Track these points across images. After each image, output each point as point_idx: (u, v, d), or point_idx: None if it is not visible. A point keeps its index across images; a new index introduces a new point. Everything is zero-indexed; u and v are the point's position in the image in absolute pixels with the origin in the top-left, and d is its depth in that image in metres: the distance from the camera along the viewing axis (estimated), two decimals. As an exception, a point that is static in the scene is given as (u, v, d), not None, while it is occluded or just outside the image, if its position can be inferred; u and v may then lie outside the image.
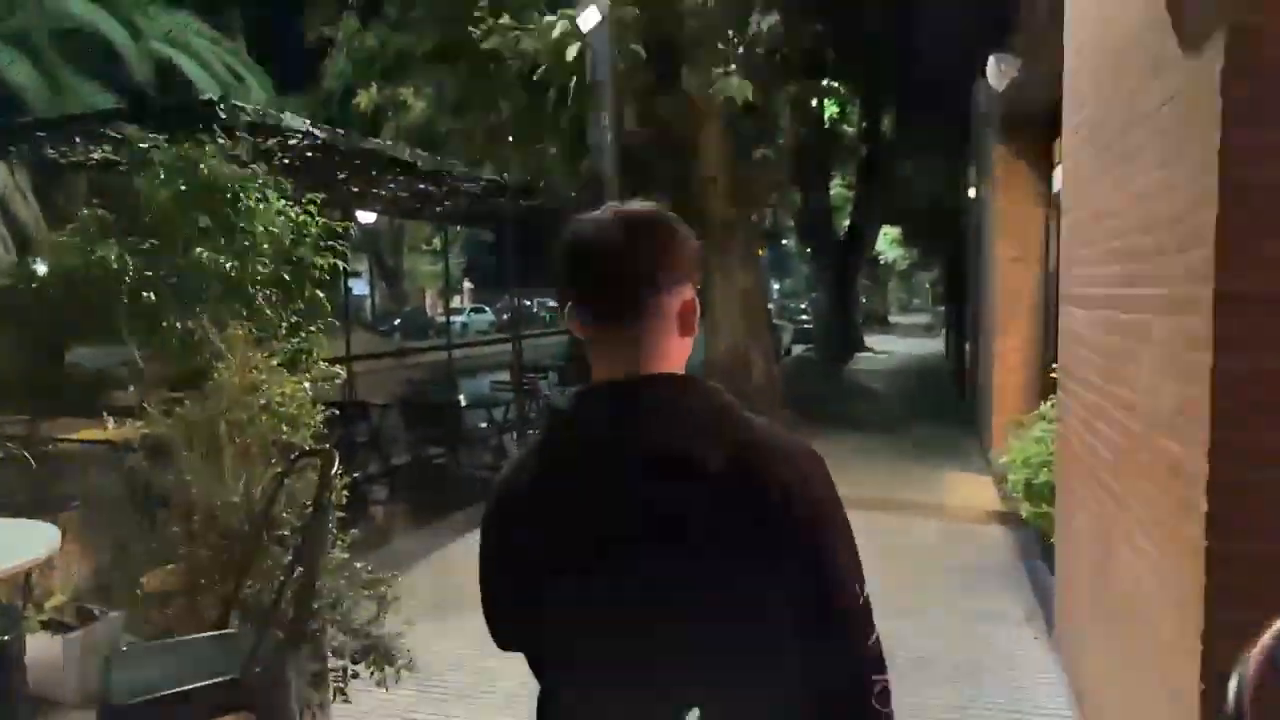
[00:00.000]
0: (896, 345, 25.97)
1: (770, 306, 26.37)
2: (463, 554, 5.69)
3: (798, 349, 23.96)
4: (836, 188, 26.35)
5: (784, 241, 39.89)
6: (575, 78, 6.79)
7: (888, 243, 33.60)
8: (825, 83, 13.42)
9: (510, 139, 8.55)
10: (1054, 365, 5.16)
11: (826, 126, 20.18)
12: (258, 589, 3.02)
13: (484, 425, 8.36)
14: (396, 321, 33.24)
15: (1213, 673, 1.78)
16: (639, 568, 1.05)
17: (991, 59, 5.62)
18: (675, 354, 1.14)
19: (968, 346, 12.01)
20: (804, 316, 29.18)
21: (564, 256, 1.13)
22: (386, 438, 7.59)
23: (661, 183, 10.26)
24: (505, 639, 1.24)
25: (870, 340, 25.26)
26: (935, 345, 25.23)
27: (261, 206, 3.71)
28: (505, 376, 11.28)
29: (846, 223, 26.39)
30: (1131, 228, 2.50)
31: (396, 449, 7.76)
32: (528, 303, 46.04)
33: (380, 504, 7.23)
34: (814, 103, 14.77)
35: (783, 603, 1.05)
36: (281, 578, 2.69)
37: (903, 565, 5.07)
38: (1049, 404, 4.70)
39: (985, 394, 8.25)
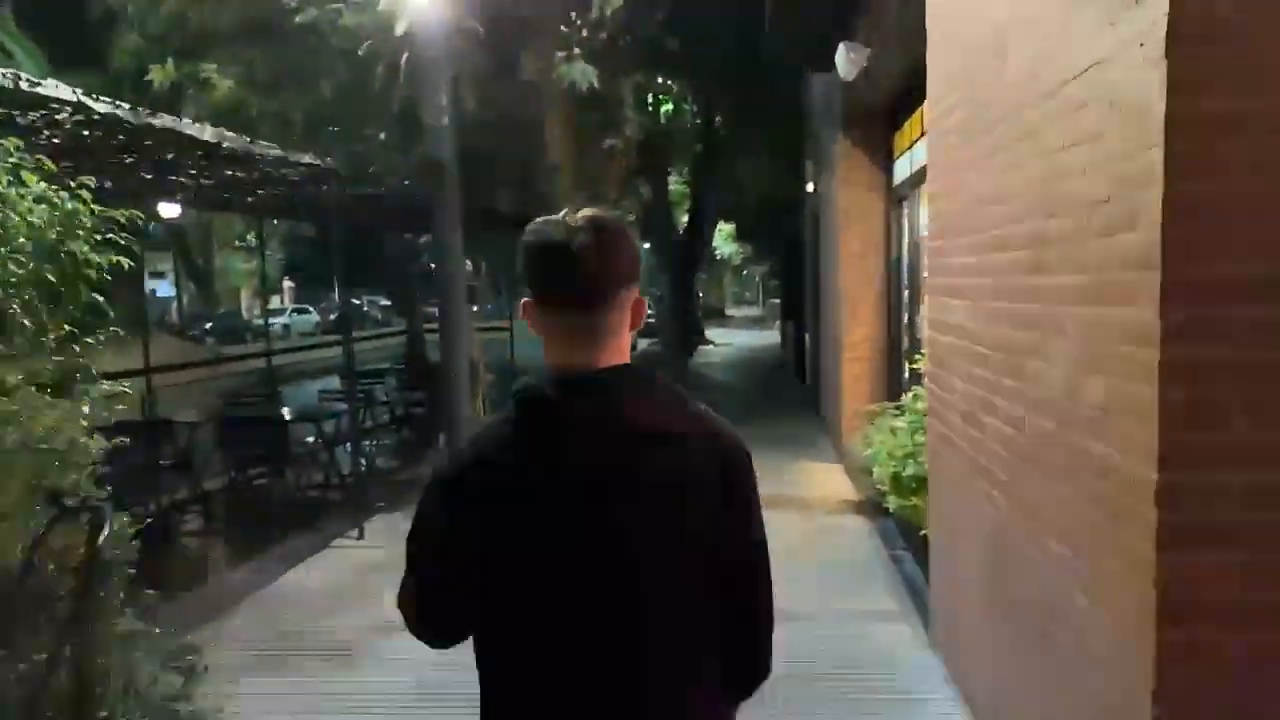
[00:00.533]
0: (734, 337, 26.66)
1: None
2: (295, 589, 5.06)
3: (643, 343, 24.03)
4: (675, 184, 26.69)
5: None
6: (406, 55, 6.21)
7: (723, 238, 34.50)
8: (663, 79, 13.36)
9: (332, 123, 7.78)
10: (918, 355, 5.22)
11: (664, 121, 20.34)
12: (19, 673, 2.37)
13: (312, 440, 7.58)
14: (208, 325, 30.52)
15: (1166, 693, 1.62)
16: (639, 523, 1.22)
17: (841, 46, 5.59)
18: (626, 345, 1.31)
19: (807, 338, 12.31)
20: (648, 311, 29.32)
21: (535, 256, 1.26)
22: (198, 459, 6.69)
23: (505, 170, 9.78)
24: (453, 622, 1.32)
25: (710, 333, 25.76)
26: (770, 336, 26.11)
27: (14, 191, 2.98)
28: (335, 383, 10.42)
29: (685, 218, 26.77)
30: (1030, 212, 2.37)
31: (210, 471, 6.86)
32: (357, 301, 43.85)
33: (193, 536, 6.35)
34: (652, 97, 14.69)
35: (720, 554, 1.29)
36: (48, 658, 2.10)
37: (774, 564, 4.92)
38: (911, 396, 4.70)
39: (832, 385, 8.38)
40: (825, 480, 7.06)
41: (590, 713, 1.23)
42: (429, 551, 1.30)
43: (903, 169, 6.66)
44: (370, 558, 5.45)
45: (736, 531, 1.33)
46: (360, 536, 5.90)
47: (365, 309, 43.98)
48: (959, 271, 3.22)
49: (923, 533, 4.28)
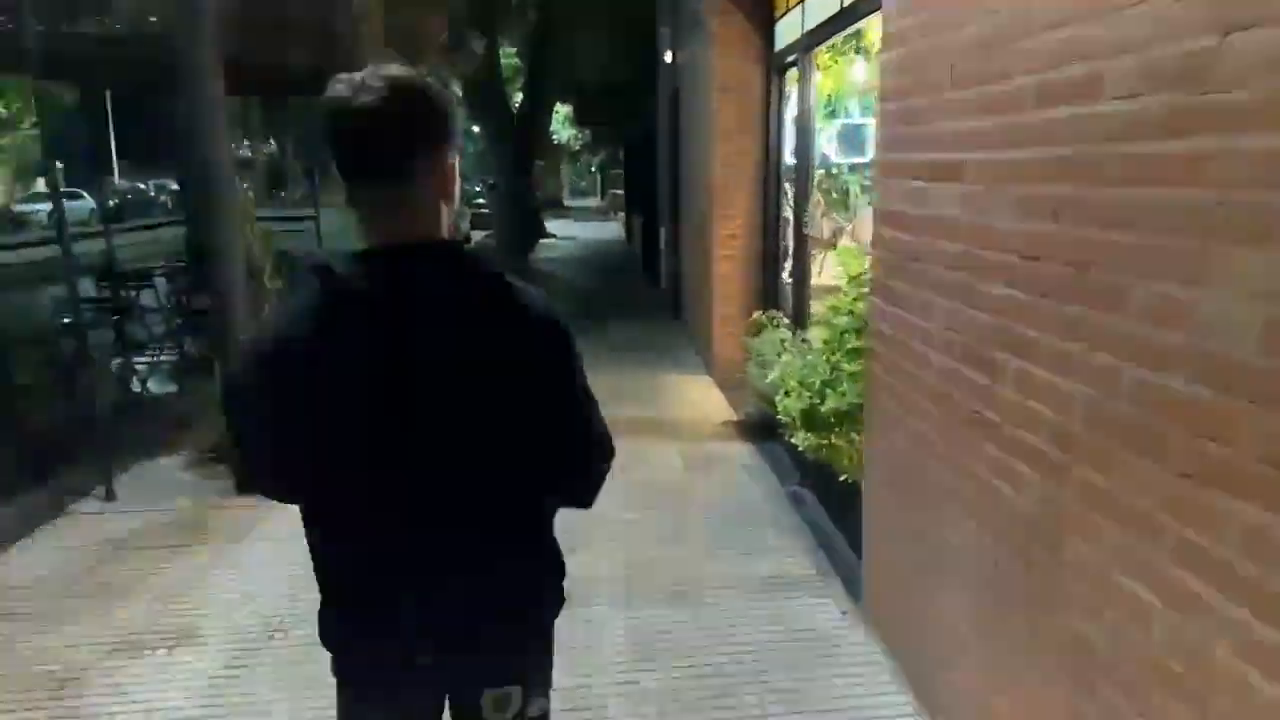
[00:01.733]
0: (575, 230, 25.32)
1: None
2: (51, 541, 3.83)
3: (477, 235, 22.26)
4: (508, 59, 24.39)
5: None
6: None
7: (560, 122, 32.48)
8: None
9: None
10: (839, 253, 4.32)
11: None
12: None
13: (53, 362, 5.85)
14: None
15: None
16: (437, 390, 1.26)
17: None
18: (437, 217, 1.28)
19: (661, 233, 11.31)
20: (480, 201, 27.34)
21: (325, 120, 1.20)
22: None
23: (299, 30, 7.94)
24: (280, 482, 1.38)
25: (549, 225, 24.30)
26: (613, 230, 24.98)
27: None
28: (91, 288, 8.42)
29: (520, 97, 24.69)
30: (1097, 51, 1.38)
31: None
32: (142, 186, 38.41)
33: None
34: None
35: (537, 398, 1.33)
36: None
37: (652, 516, 4.01)
38: (829, 308, 3.78)
39: (697, 287, 7.46)
40: (697, 398, 6.20)
41: (401, 549, 1.32)
42: (244, 412, 1.35)
43: (790, 29, 5.60)
44: (119, 528, 4.07)
45: (551, 398, 1.36)
46: (109, 497, 4.46)
47: (153, 194, 38.77)
48: (952, 142, 2.24)
49: (843, 477, 3.47)
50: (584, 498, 1.45)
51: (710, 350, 6.76)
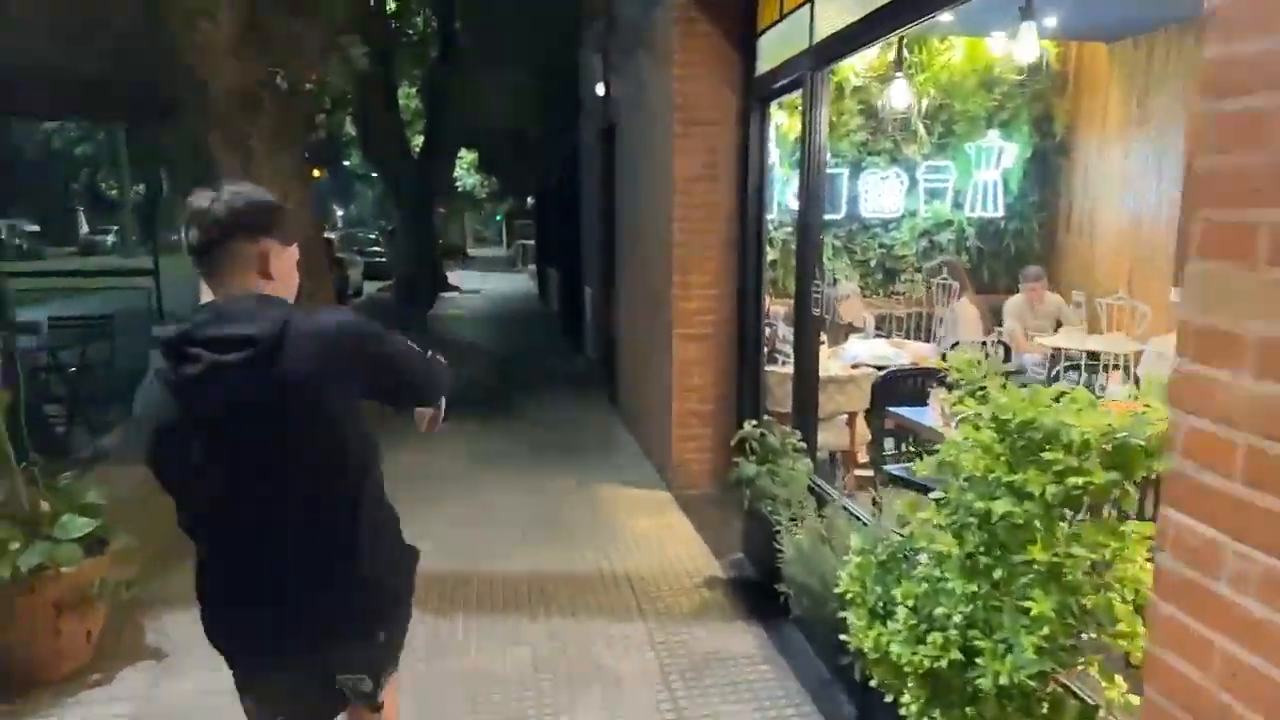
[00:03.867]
0: (481, 282, 23.53)
1: (331, 236, 22.07)
2: None
3: (370, 287, 20.21)
4: (406, 98, 22.68)
5: (346, 162, 34.96)
6: None
7: (464, 168, 30.80)
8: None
9: None
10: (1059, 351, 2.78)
11: (389, 15, 16.51)
12: None
13: None
14: None
15: None
16: (249, 414, 1.53)
17: None
18: (264, 289, 1.62)
19: (588, 293, 9.75)
20: (376, 248, 25.23)
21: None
22: None
23: (122, 29, 6.16)
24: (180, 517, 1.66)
25: (454, 277, 22.47)
26: (523, 282, 23.31)
27: None
28: None
29: (421, 140, 22.96)
30: None
31: None
32: (-5, 226, 34.43)
33: None
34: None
35: (356, 398, 1.62)
36: None
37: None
38: (950, 402, 2.21)
39: (646, 370, 5.90)
40: (658, 529, 4.58)
41: (252, 559, 1.63)
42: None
43: (780, 44, 4.21)
44: None
45: (379, 377, 1.67)
46: None
47: (3, 235, 34.87)
48: None
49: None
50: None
51: (668, 455, 5.18)
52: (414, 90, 21.58)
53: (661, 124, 5.10)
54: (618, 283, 7.11)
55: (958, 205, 7.03)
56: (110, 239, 37.52)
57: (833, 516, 3.05)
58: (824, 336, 4.60)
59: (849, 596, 2.26)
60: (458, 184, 30.63)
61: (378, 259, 23.16)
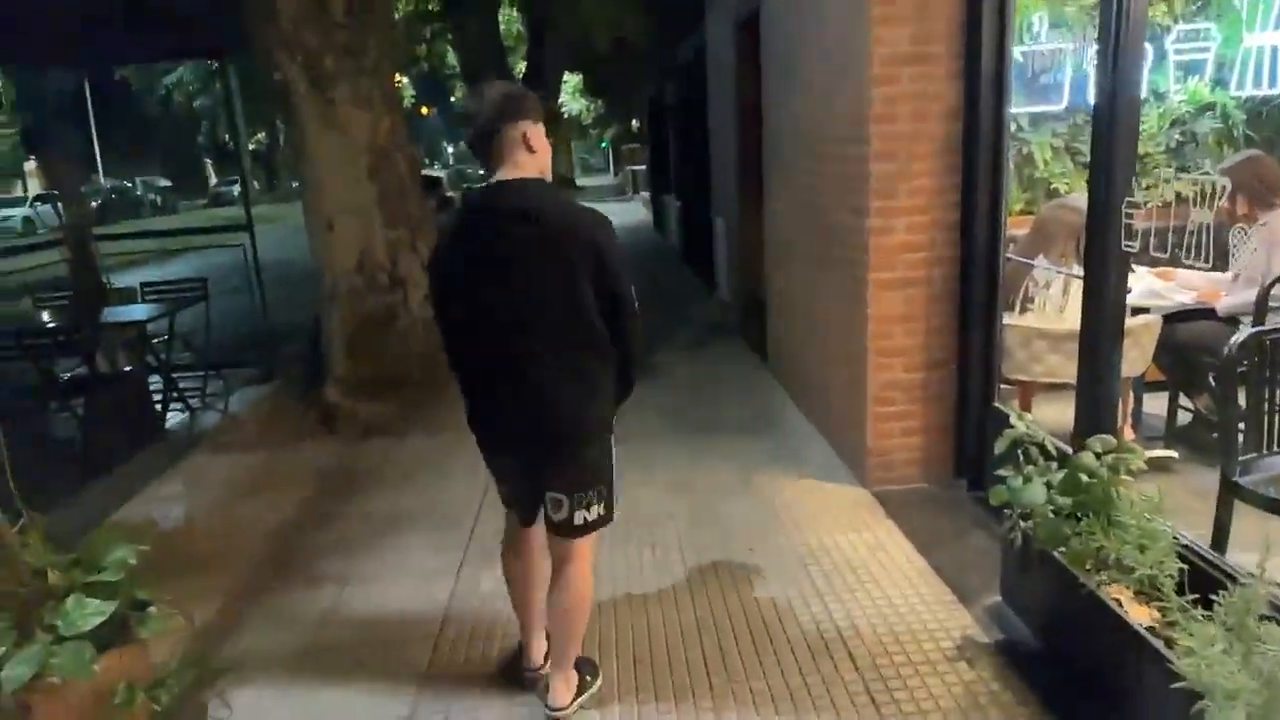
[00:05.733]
0: (593, 213, 22.29)
1: (441, 174, 21.36)
2: None
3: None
4: (507, 21, 21.47)
5: (454, 97, 34.27)
6: None
7: (570, 93, 29.46)
8: None
9: None
10: None
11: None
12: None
13: None
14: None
15: None
16: (513, 270, 2.10)
17: None
18: (527, 164, 2.14)
19: (720, 225, 8.44)
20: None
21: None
22: None
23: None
24: (450, 345, 2.29)
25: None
26: (637, 211, 21.97)
27: None
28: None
29: (523, 65, 21.79)
30: None
31: None
32: (129, 184, 35.70)
33: None
34: None
35: (589, 287, 2.10)
36: None
37: None
38: None
39: (819, 325, 4.63)
40: (861, 551, 3.36)
41: (505, 388, 2.20)
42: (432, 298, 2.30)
43: None
44: None
45: (597, 282, 2.11)
46: None
47: (140, 192, 36.16)
48: None
49: None
50: (627, 369, 2.30)
51: (862, 438, 3.93)
52: (514, 10, 20.30)
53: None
54: (767, 213, 5.78)
55: (1220, 83, 5.29)
56: (237, 189, 38.48)
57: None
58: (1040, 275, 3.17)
59: None
60: (563, 110, 29.38)
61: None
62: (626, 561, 3.37)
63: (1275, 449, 2.57)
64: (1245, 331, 2.45)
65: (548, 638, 2.54)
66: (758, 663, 2.68)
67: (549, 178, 2.19)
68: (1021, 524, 2.54)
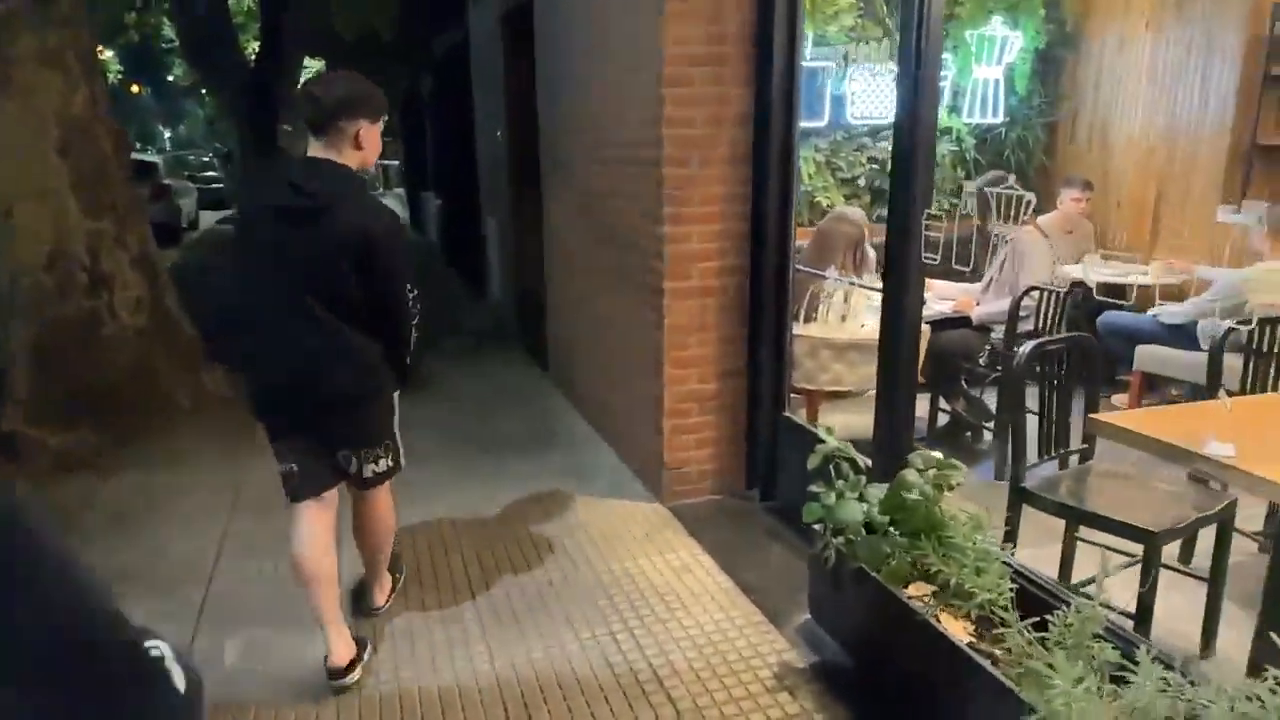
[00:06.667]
0: (340, 209, 20.82)
1: (155, 159, 18.84)
2: None
3: (209, 218, 17.44)
4: (236, -5, 19.38)
5: (171, 75, 30.59)
6: None
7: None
8: None
9: None
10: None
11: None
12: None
13: None
14: None
15: None
16: (293, 246, 2.25)
17: None
18: (349, 157, 2.32)
19: (491, 225, 8.05)
20: (211, 173, 21.98)
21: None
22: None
23: None
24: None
25: (307, 205, 19.75)
26: (391, 208, 20.72)
27: None
28: None
29: (256, 47, 19.78)
30: None
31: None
32: None
33: None
34: None
35: (355, 277, 2.28)
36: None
37: None
38: None
39: (606, 335, 4.44)
40: (667, 575, 3.19)
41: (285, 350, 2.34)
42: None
43: None
44: None
45: (365, 276, 2.28)
46: None
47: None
48: None
49: None
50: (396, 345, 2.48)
51: (657, 453, 3.78)
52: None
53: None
54: (546, 215, 5.51)
55: (954, 109, 5.82)
56: None
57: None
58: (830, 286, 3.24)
59: None
60: (304, 98, 27.15)
61: (215, 185, 20.12)
62: (409, 619, 2.94)
63: (1050, 454, 2.72)
64: (1031, 343, 2.55)
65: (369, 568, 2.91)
66: (565, 715, 2.40)
67: (370, 172, 2.50)
68: (834, 541, 2.48)
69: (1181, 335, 4.58)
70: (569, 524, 3.61)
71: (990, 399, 4.27)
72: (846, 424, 3.74)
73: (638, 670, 2.61)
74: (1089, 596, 1.71)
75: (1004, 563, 2.01)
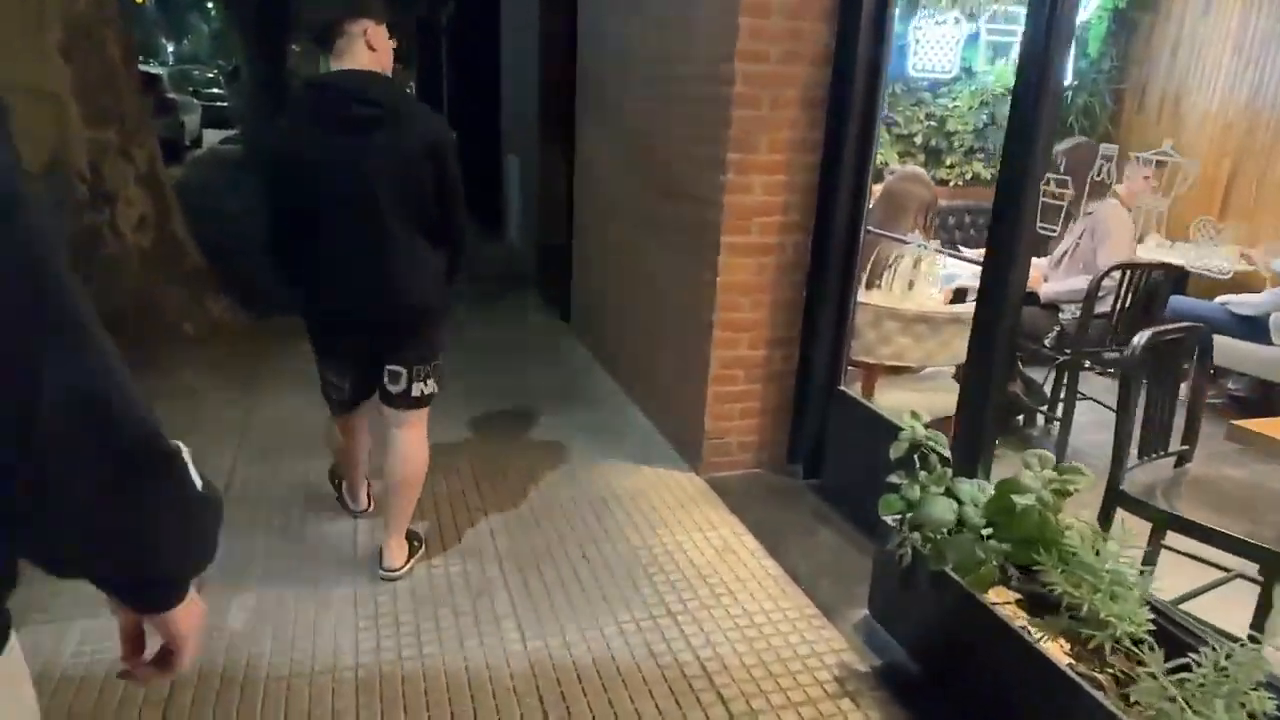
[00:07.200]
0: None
1: (159, 71, 18.20)
2: None
3: (212, 137, 16.91)
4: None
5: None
6: None
7: (323, -2, 26.28)
8: None
9: None
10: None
11: None
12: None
13: None
14: None
15: None
16: (363, 156, 2.15)
17: None
18: (368, 62, 2.20)
19: (511, 164, 7.67)
20: (217, 90, 21.31)
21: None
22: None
23: None
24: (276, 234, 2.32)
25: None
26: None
27: None
28: None
29: (268, -43, 18.95)
30: None
31: None
32: None
33: None
34: None
35: (430, 179, 2.23)
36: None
37: None
38: None
39: (641, 284, 4.14)
40: (709, 556, 2.96)
41: (353, 263, 2.26)
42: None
43: None
44: None
45: (437, 176, 2.24)
46: None
47: None
48: None
49: None
50: (455, 248, 2.45)
51: (698, 420, 3.52)
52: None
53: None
54: (580, 156, 5.16)
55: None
56: None
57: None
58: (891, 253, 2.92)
59: None
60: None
61: (219, 104, 19.50)
62: (433, 586, 2.71)
63: (1151, 456, 2.46)
64: (1147, 331, 2.27)
65: (369, 495, 3.01)
66: (603, 708, 2.17)
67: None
68: (911, 537, 2.23)
69: (1252, 327, 4.31)
70: (599, 490, 3.36)
71: (1047, 383, 4.01)
72: (903, 402, 3.48)
73: (684, 662, 2.38)
74: (1228, 634, 1.46)
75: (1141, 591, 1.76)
